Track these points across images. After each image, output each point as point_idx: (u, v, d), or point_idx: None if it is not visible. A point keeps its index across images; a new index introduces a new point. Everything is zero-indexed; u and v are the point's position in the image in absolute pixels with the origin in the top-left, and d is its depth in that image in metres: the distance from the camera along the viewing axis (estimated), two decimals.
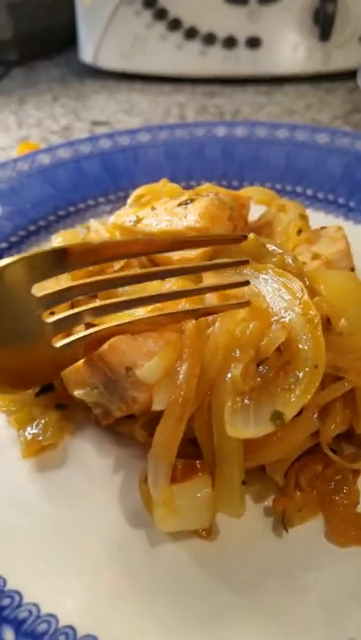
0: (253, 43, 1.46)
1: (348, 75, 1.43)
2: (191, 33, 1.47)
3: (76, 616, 0.44)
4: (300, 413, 0.46)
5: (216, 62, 1.49)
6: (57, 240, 0.68)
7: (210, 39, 1.47)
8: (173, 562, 0.47)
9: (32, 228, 0.85)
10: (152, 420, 0.49)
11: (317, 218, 0.84)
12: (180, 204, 0.62)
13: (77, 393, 0.51)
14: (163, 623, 0.43)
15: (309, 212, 0.88)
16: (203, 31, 1.46)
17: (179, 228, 0.59)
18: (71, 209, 0.89)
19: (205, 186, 0.70)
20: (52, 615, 0.44)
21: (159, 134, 1.03)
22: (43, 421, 0.57)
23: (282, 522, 0.48)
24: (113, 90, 1.54)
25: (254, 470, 0.50)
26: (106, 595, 0.45)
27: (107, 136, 1.02)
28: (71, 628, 0.43)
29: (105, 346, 0.49)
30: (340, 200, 0.90)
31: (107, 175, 0.96)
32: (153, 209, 0.65)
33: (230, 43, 1.46)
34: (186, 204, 0.62)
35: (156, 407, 0.46)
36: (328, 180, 0.93)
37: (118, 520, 0.50)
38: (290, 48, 1.46)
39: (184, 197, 0.63)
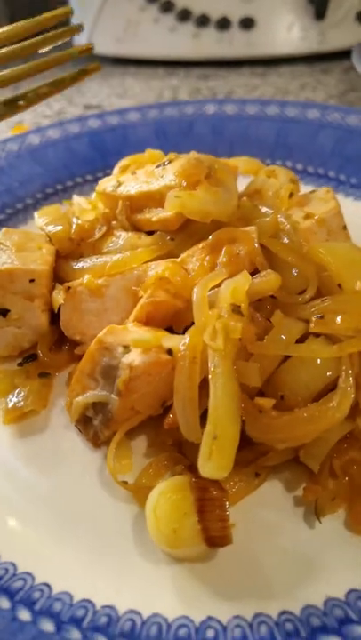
0: (247, 23, 1.45)
1: (344, 54, 1.42)
2: (184, 15, 1.46)
3: (52, 575, 0.44)
4: (334, 387, 0.46)
5: (210, 44, 1.47)
6: (39, 217, 0.68)
7: (203, 21, 1.45)
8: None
9: (19, 206, 0.85)
10: None
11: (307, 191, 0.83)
12: (158, 166, 0.62)
13: (82, 399, 0.51)
14: (136, 583, 0.43)
15: (301, 186, 0.88)
16: (196, 12, 1.45)
17: (155, 188, 0.59)
18: (59, 187, 0.89)
19: (191, 153, 0.69)
20: (28, 573, 0.44)
21: (148, 113, 1.02)
22: (25, 389, 0.57)
23: (315, 511, 0.46)
24: (107, 75, 1.53)
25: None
26: (81, 556, 0.45)
27: (96, 116, 1.02)
28: (47, 585, 0.43)
29: (104, 330, 0.51)
30: (331, 174, 0.89)
31: (95, 154, 0.95)
32: (133, 174, 0.65)
33: (224, 24, 1.45)
34: (164, 164, 0.61)
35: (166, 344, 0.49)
36: (318, 154, 0.92)
37: (95, 486, 0.50)
38: (284, 28, 1.45)
39: (165, 159, 0.63)
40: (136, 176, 0.65)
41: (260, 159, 0.93)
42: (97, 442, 0.52)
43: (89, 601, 0.42)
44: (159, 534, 0.43)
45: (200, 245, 0.57)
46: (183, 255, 0.57)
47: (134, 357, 0.48)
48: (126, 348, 0.49)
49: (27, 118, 1.29)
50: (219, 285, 0.51)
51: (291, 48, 1.47)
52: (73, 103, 1.37)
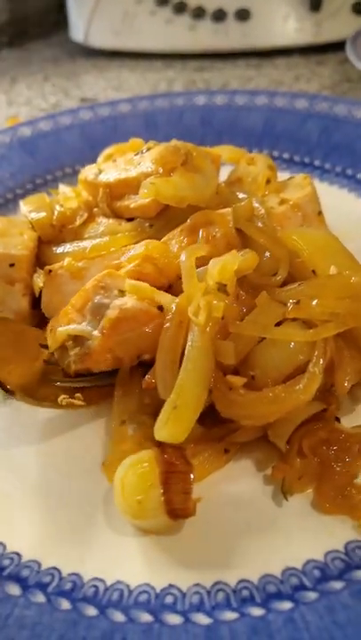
0: (243, 15, 1.45)
1: (340, 45, 1.41)
2: (180, 7, 1.46)
3: (23, 544, 0.46)
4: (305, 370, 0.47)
5: (206, 36, 1.48)
6: (24, 206, 0.69)
7: (199, 13, 1.46)
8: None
9: (9, 196, 0.87)
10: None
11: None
12: (136, 154, 0.64)
13: (63, 329, 0.53)
14: (102, 553, 0.45)
15: (286, 176, 0.88)
16: (192, 4, 1.46)
17: (133, 175, 0.61)
18: (49, 177, 0.91)
19: (172, 140, 0.70)
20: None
21: (139, 105, 1.03)
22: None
23: (281, 489, 0.47)
24: (104, 68, 1.55)
25: (257, 439, 0.50)
26: (51, 527, 0.47)
27: (88, 108, 1.03)
28: (17, 553, 0.45)
29: (103, 272, 0.54)
30: (316, 162, 0.90)
31: (86, 145, 0.97)
32: (114, 161, 0.66)
33: (220, 16, 1.45)
34: (142, 152, 0.63)
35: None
36: (304, 143, 0.93)
37: (68, 460, 0.52)
38: (280, 19, 1.45)
39: (143, 147, 0.64)
40: (116, 164, 0.66)
41: (247, 148, 0.94)
42: (68, 372, 0.54)
43: (56, 568, 0.44)
44: (125, 504, 0.44)
45: (178, 229, 0.58)
46: (163, 239, 0.59)
47: (127, 301, 0.51)
48: (121, 293, 0.52)
49: (22, 111, 1.31)
50: (205, 263, 0.52)
51: (286, 39, 1.47)
52: (69, 96, 1.39)
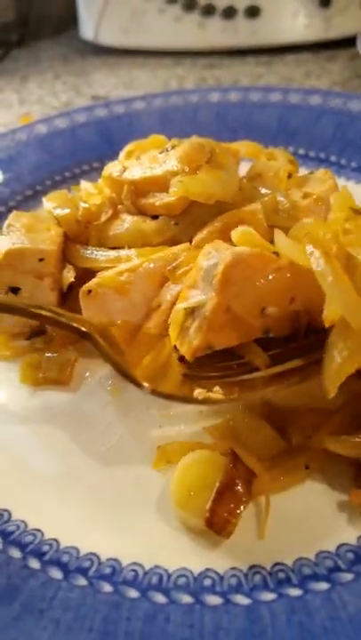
0: (253, 12, 1.46)
1: (350, 41, 1.42)
2: (190, 4, 1.47)
3: (60, 531, 0.47)
4: None
5: (215, 34, 1.49)
6: (47, 202, 0.70)
7: (209, 10, 1.47)
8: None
9: (29, 192, 0.88)
10: None
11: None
12: (161, 152, 0.64)
13: (177, 306, 0.51)
14: (139, 540, 0.46)
15: (302, 171, 0.89)
16: (201, 2, 1.46)
17: (159, 173, 0.61)
18: (67, 174, 0.92)
19: (193, 137, 0.71)
20: (38, 530, 0.47)
21: (154, 102, 1.04)
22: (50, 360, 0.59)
23: None
24: (114, 66, 1.56)
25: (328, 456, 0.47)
26: (89, 513, 0.48)
27: (103, 105, 1.04)
28: (55, 540, 0.47)
29: (210, 243, 0.51)
30: (332, 158, 0.91)
31: (102, 142, 0.98)
32: (138, 159, 0.67)
33: (229, 13, 1.46)
34: (167, 150, 0.64)
35: None
36: (319, 139, 0.94)
37: (110, 446, 0.53)
38: (290, 16, 1.45)
39: (167, 145, 0.65)
40: (140, 161, 0.67)
41: (262, 145, 0.95)
42: (191, 354, 0.49)
43: (94, 554, 0.45)
44: (177, 488, 0.46)
45: (207, 230, 0.58)
46: (196, 239, 0.58)
47: (236, 249, 0.47)
48: (230, 248, 0.48)
49: (35, 109, 1.32)
50: None
51: (296, 36, 1.47)
52: (80, 94, 1.40)
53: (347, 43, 1.43)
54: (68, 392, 0.58)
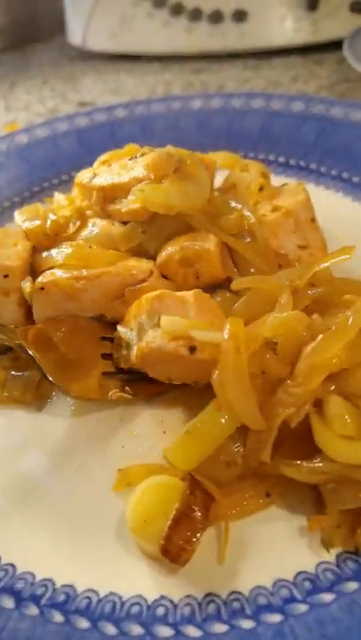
0: (240, 16, 1.44)
1: (338, 44, 1.40)
2: (177, 9, 1.46)
3: (18, 556, 0.46)
4: None
5: (203, 38, 1.47)
6: (18, 216, 0.70)
7: (196, 15, 1.46)
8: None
9: (7, 204, 0.88)
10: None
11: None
12: (130, 159, 0.64)
13: (120, 329, 0.56)
14: (96, 565, 0.45)
15: (281, 180, 0.88)
16: (189, 6, 1.45)
17: (125, 180, 0.61)
18: (45, 185, 0.91)
19: (167, 147, 0.70)
20: None
21: (135, 109, 1.03)
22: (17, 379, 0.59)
23: (321, 542, 0.44)
24: (102, 71, 1.55)
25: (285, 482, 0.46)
26: (46, 537, 0.48)
27: (84, 113, 1.04)
28: (11, 565, 0.46)
29: (157, 292, 0.54)
30: (312, 166, 0.90)
31: (83, 151, 0.97)
32: (109, 166, 0.67)
33: (216, 17, 1.45)
34: (136, 157, 0.63)
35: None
36: (301, 146, 0.92)
37: (72, 469, 0.52)
38: (277, 20, 1.44)
39: (138, 153, 0.65)
40: (111, 168, 0.67)
41: (243, 152, 0.95)
42: (117, 364, 0.56)
43: (50, 580, 0.45)
44: (132, 515, 0.45)
45: (169, 254, 0.59)
46: (159, 260, 0.60)
47: (156, 338, 0.50)
48: (158, 323, 0.51)
49: (20, 117, 1.31)
50: None
51: (284, 40, 1.46)
52: (67, 101, 1.39)
53: (334, 46, 1.42)
54: (32, 412, 0.57)
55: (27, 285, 0.59)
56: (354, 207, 0.82)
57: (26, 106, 1.38)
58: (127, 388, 0.56)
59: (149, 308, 0.53)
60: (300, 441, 0.46)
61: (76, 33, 1.58)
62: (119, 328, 0.56)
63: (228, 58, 1.50)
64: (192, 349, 0.50)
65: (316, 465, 0.45)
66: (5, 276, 0.59)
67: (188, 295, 0.53)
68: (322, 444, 0.45)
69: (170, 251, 0.58)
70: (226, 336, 0.48)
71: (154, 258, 0.60)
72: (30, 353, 0.55)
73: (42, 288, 0.56)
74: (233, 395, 0.46)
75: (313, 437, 0.45)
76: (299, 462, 0.44)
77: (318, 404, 0.47)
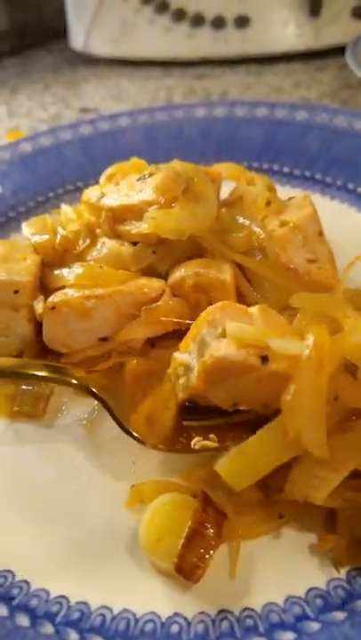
0: (242, 22, 1.45)
1: (340, 50, 1.41)
2: (179, 15, 1.46)
3: (31, 573, 0.47)
4: None
5: (205, 44, 1.48)
6: (25, 228, 0.70)
7: (198, 20, 1.46)
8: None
9: (12, 214, 0.88)
10: None
11: (294, 195, 0.84)
12: (139, 179, 0.64)
13: (177, 356, 0.52)
14: (110, 581, 0.46)
15: (286, 190, 0.89)
16: (191, 12, 1.45)
17: (134, 202, 0.61)
18: (50, 194, 0.92)
19: (173, 162, 0.71)
20: (8, 571, 0.47)
21: (139, 118, 1.04)
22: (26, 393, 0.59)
23: (332, 562, 0.44)
24: (104, 76, 1.55)
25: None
26: (60, 554, 0.48)
27: (88, 122, 1.04)
28: (26, 582, 0.46)
29: (220, 304, 0.50)
30: (317, 176, 0.90)
31: (87, 160, 0.97)
32: (117, 185, 0.67)
33: (219, 23, 1.45)
34: (144, 178, 0.63)
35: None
36: (305, 156, 0.93)
37: (84, 484, 0.53)
38: (279, 25, 1.44)
39: (145, 172, 0.65)
40: (119, 187, 0.67)
41: (247, 162, 0.95)
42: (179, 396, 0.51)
43: (64, 597, 0.45)
44: (146, 533, 0.46)
45: (182, 276, 0.59)
46: (170, 281, 0.60)
47: (222, 347, 0.45)
48: (224, 333, 0.47)
49: (23, 123, 1.31)
50: None
51: (286, 45, 1.46)
52: (69, 107, 1.39)
53: (337, 52, 1.42)
54: (43, 426, 0.58)
55: (39, 306, 0.59)
56: (359, 218, 0.83)
57: (28, 112, 1.38)
58: (212, 435, 0.50)
59: (211, 320, 0.48)
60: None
61: (78, 38, 1.58)
62: (175, 355, 0.51)
63: (230, 64, 1.50)
64: (264, 359, 0.44)
65: (341, 492, 0.45)
66: (15, 292, 0.60)
67: (253, 308, 0.49)
68: None
69: (183, 273, 0.58)
70: (309, 347, 0.42)
71: (164, 277, 0.60)
72: (101, 397, 0.53)
73: (53, 307, 0.56)
74: (305, 416, 0.41)
75: None
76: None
77: None
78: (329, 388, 0.42)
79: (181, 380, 0.50)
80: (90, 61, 1.62)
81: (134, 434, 0.52)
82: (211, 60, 1.51)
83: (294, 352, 0.43)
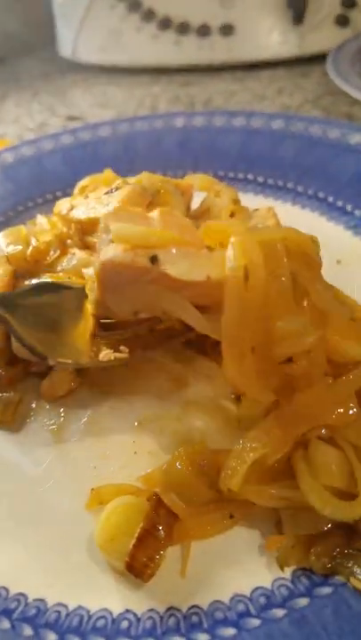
0: (227, 30, 1.47)
1: (324, 57, 1.43)
2: (165, 23, 1.49)
3: None
4: None
5: (191, 51, 1.50)
6: (1, 238, 0.72)
7: (184, 28, 1.48)
8: None
9: None
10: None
11: (267, 204, 0.86)
12: (106, 193, 0.66)
13: (87, 271, 0.54)
14: (66, 580, 0.48)
15: (259, 199, 0.91)
16: (176, 20, 1.48)
17: (99, 215, 0.63)
18: (30, 204, 0.94)
19: (142, 174, 0.73)
20: None
21: (119, 128, 1.06)
22: None
23: (277, 561, 0.46)
24: (92, 83, 1.57)
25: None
26: (20, 553, 0.50)
27: (69, 132, 1.06)
28: None
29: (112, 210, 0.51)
30: (289, 185, 0.92)
31: (67, 171, 1.00)
32: (86, 197, 0.69)
33: (204, 31, 1.48)
34: (112, 191, 0.66)
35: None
36: (279, 165, 0.95)
37: (47, 487, 0.55)
38: (264, 33, 1.47)
39: (113, 186, 0.67)
40: (87, 200, 0.69)
41: (223, 172, 0.97)
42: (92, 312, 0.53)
43: (23, 594, 0.48)
44: (100, 533, 0.48)
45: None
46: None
47: (109, 251, 0.44)
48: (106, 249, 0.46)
49: (9, 131, 1.34)
50: None
51: (270, 53, 1.49)
52: (56, 114, 1.41)
53: (320, 59, 1.44)
54: (11, 432, 0.60)
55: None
56: (329, 227, 0.85)
57: (15, 119, 1.41)
58: (122, 347, 0.52)
59: (104, 227, 0.47)
60: (265, 468, 0.48)
61: (66, 45, 1.60)
62: (84, 270, 0.53)
63: (216, 70, 1.52)
64: (154, 259, 0.42)
65: (278, 491, 0.47)
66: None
67: (154, 212, 0.47)
68: (305, 491, 0.46)
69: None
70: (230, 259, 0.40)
71: None
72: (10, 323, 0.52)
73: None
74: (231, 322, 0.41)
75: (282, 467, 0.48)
76: (262, 487, 0.47)
77: (304, 443, 0.47)
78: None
79: (91, 296, 0.50)
80: (78, 67, 1.64)
81: (36, 347, 0.51)
82: (196, 68, 1.53)
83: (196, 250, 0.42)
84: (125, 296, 0.46)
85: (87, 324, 0.54)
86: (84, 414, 0.60)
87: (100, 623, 0.45)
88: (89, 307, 0.55)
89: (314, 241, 0.50)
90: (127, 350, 0.52)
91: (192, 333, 0.52)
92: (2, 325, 0.56)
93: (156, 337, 0.51)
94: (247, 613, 0.44)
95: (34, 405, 0.62)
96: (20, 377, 0.64)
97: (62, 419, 0.60)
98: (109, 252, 0.44)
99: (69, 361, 0.52)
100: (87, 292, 0.55)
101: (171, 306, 0.45)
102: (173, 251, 0.43)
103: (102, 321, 0.53)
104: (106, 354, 0.52)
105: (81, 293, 0.57)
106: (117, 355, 0.51)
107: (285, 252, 0.44)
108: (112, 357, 0.52)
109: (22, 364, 0.64)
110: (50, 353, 0.52)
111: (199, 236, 0.46)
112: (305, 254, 0.46)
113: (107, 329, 0.54)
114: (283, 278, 0.43)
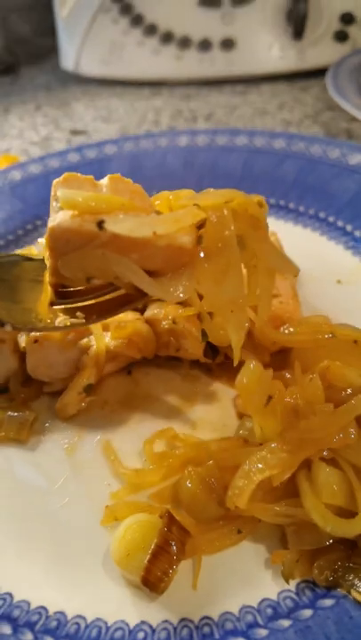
0: (228, 44, 1.50)
1: (324, 72, 1.46)
2: (167, 37, 1.51)
3: (14, 585, 0.52)
4: None
5: (192, 65, 1.53)
6: None
7: (185, 43, 1.51)
8: None
9: (1, 242, 0.93)
10: None
11: (269, 223, 0.89)
12: None
13: (42, 240, 0.53)
14: (85, 592, 0.51)
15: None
16: (178, 35, 1.51)
17: None
18: (38, 222, 0.97)
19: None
20: None
21: (124, 146, 1.09)
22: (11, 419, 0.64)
23: (282, 574, 0.49)
24: (94, 96, 1.60)
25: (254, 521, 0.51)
26: (40, 567, 0.53)
27: (75, 150, 1.09)
28: (9, 594, 0.52)
29: (61, 177, 0.50)
30: (291, 205, 0.95)
31: None
32: None
33: (205, 45, 1.51)
34: None
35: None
36: (281, 185, 0.98)
37: (64, 503, 0.58)
38: (264, 48, 1.50)
39: None
40: None
41: None
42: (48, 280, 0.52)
43: (43, 607, 0.50)
44: (117, 549, 0.51)
45: (161, 321, 0.63)
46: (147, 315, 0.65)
47: (56, 217, 0.44)
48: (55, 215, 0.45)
49: (14, 145, 1.36)
50: None
51: (270, 67, 1.52)
52: (59, 128, 1.44)
53: (320, 73, 1.47)
54: (27, 450, 0.63)
55: (22, 339, 0.64)
56: (328, 246, 0.88)
57: (20, 133, 1.43)
58: (78, 313, 0.52)
59: (54, 194, 0.47)
60: (270, 487, 0.51)
61: (68, 58, 1.63)
62: (39, 240, 0.56)
63: (217, 84, 1.55)
64: (100, 224, 0.42)
65: (283, 509, 0.51)
66: (1, 325, 0.65)
67: (104, 179, 0.48)
68: (308, 509, 0.49)
69: (161, 315, 0.63)
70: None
71: (140, 311, 0.66)
72: None
73: (35, 341, 0.62)
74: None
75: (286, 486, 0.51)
76: (268, 505, 0.50)
77: (307, 464, 0.51)
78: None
79: (48, 264, 0.50)
80: (81, 80, 1.67)
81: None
82: (197, 82, 1.56)
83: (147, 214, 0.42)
84: (76, 262, 0.46)
85: (46, 293, 0.55)
86: (97, 433, 0.63)
87: (118, 634, 0.48)
88: (47, 276, 0.55)
89: (260, 203, 0.52)
90: (83, 316, 0.52)
91: (147, 299, 0.52)
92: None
93: (112, 304, 0.51)
94: (255, 624, 0.47)
95: (48, 425, 0.65)
96: (35, 397, 0.67)
97: (76, 437, 0.63)
98: (57, 218, 0.44)
99: (27, 326, 0.53)
100: (45, 261, 0.55)
101: (120, 268, 0.45)
102: (121, 216, 0.44)
103: (61, 290, 0.52)
104: (62, 319, 0.52)
105: (42, 264, 0.57)
106: (73, 320, 0.52)
107: (232, 214, 0.47)
108: (68, 323, 0.53)
109: (36, 385, 0.67)
110: (8, 320, 0.53)
111: (149, 201, 0.48)
112: (252, 216, 0.48)
113: (66, 297, 0.53)
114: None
